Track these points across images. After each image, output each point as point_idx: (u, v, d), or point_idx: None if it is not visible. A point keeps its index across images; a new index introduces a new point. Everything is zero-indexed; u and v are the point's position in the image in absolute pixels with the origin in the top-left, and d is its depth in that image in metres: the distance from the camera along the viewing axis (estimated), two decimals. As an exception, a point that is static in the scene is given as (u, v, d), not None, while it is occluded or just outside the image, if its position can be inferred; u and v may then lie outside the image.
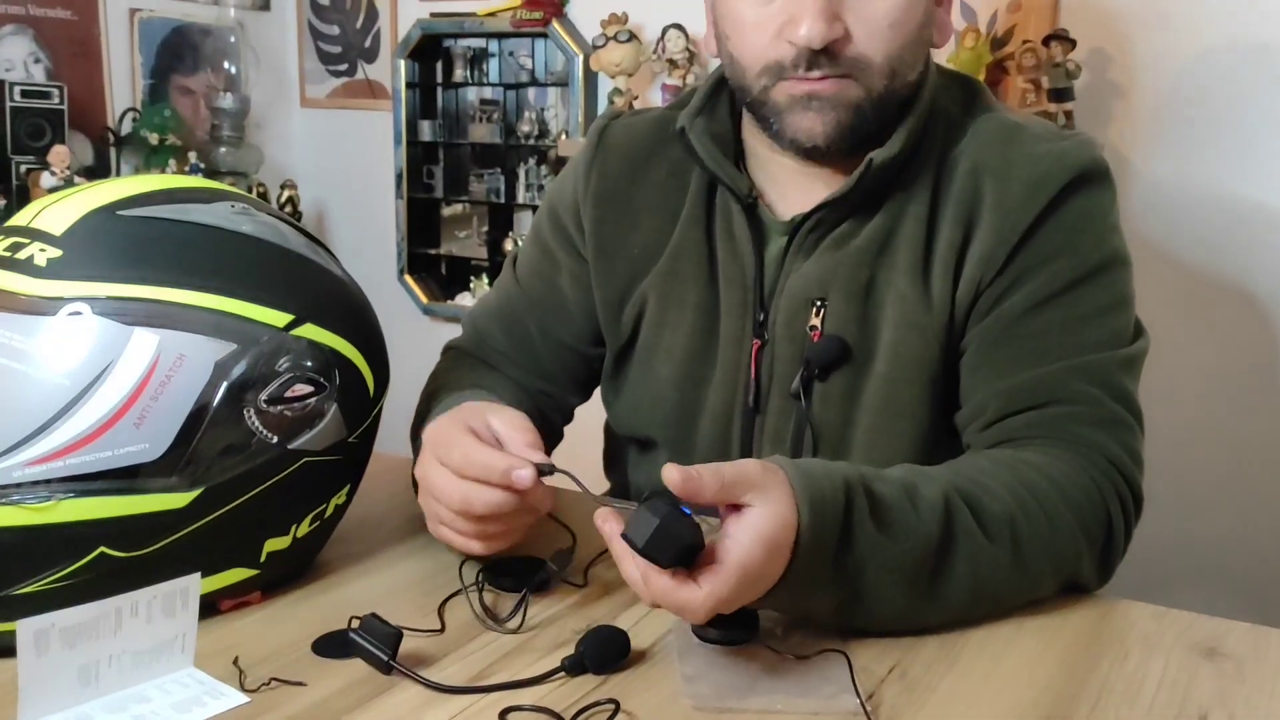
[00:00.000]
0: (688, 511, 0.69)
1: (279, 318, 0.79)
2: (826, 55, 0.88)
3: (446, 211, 2.74)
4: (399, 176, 2.68)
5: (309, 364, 0.80)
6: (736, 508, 0.70)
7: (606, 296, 1.05)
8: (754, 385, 0.99)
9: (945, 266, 0.93)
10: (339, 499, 0.87)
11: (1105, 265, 0.92)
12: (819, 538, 0.72)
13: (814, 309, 0.96)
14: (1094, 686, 0.73)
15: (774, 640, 0.77)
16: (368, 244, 2.71)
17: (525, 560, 0.86)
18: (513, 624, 0.79)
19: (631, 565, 0.69)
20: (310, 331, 0.80)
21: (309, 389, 0.80)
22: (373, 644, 0.71)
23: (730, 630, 0.76)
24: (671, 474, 0.68)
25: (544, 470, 0.77)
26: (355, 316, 0.87)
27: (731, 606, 0.69)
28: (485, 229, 2.69)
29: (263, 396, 0.77)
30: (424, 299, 2.70)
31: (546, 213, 1.10)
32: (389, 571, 0.90)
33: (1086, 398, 0.89)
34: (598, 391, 1.15)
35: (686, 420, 1.03)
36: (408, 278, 2.72)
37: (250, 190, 2.52)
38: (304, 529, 0.83)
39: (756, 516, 0.69)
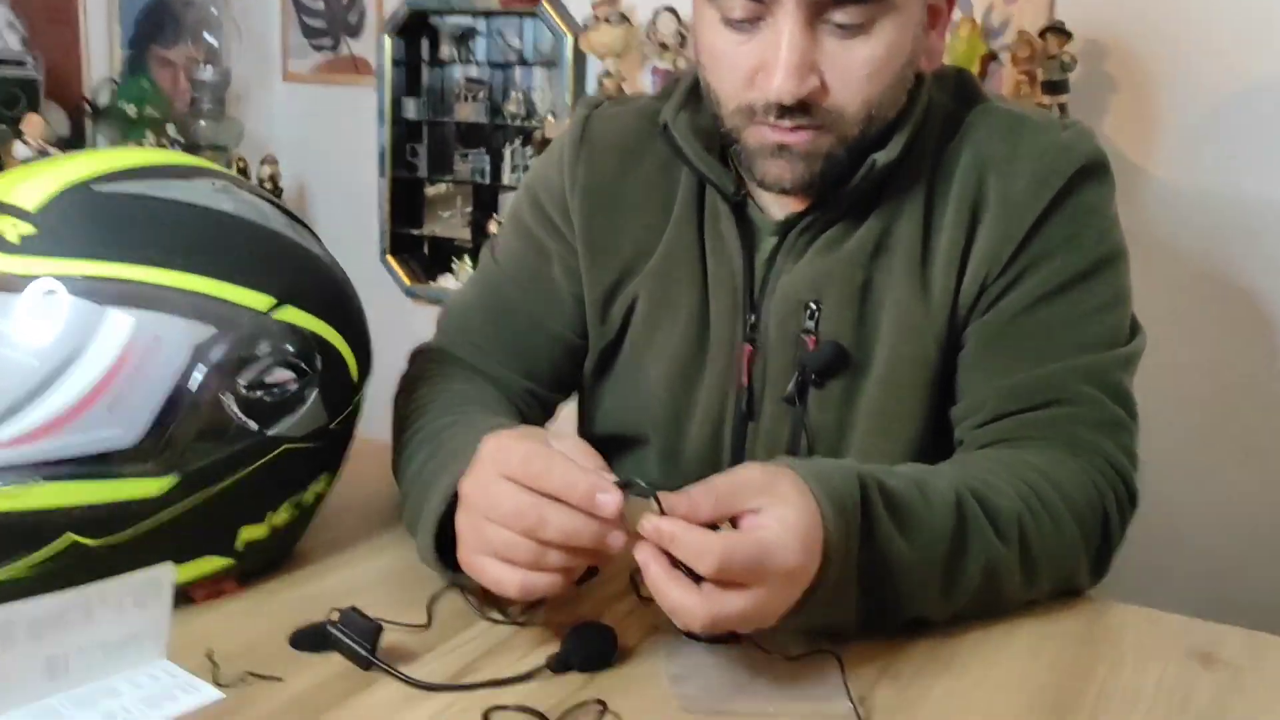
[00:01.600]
0: None
1: (260, 300, 0.77)
2: (800, 107, 0.85)
3: (430, 191, 2.72)
4: (382, 155, 2.65)
5: (290, 348, 0.78)
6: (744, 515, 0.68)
7: (594, 291, 1.03)
8: (746, 391, 0.98)
9: (947, 266, 0.92)
10: (319, 487, 0.85)
11: (1107, 260, 0.91)
12: (844, 534, 0.70)
13: (807, 312, 0.94)
14: (1090, 694, 0.72)
15: (763, 639, 0.75)
16: (349, 224, 2.68)
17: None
18: (518, 613, 0.77)
19: (680, 591, 0.66)
20: (292, 315, 0.78)
21: (289, 374, 0.78)
22: (351, 638, 0.70)
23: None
24: (667, 500, 0.67)
25: (633, 490, 0.68)
26: (338, 299, 0.85)
27: (768, 613, 0.68)
28: (469, 209, 2.66)
29: (242, 381, 0.75)
30: (407, 280, 2.68)
31: (529, 202, 1.06)
32: (371, 562, 0.88)
33: (1087, 399, 0.88)
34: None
35: (677, 422, 1.02)
36: (390, 259, 2.69)
37: (230, 165, 2.49)
38: (282, 517, 0.82)
39: (776, 517, 0.67)
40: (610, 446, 1.10)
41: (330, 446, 0.84)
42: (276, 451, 0.78)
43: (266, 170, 2.56)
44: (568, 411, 1.14)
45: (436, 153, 2.67)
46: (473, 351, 1.05)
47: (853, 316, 0.94)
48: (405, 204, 2.70)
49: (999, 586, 0.79)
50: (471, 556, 0.72)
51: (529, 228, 1.06)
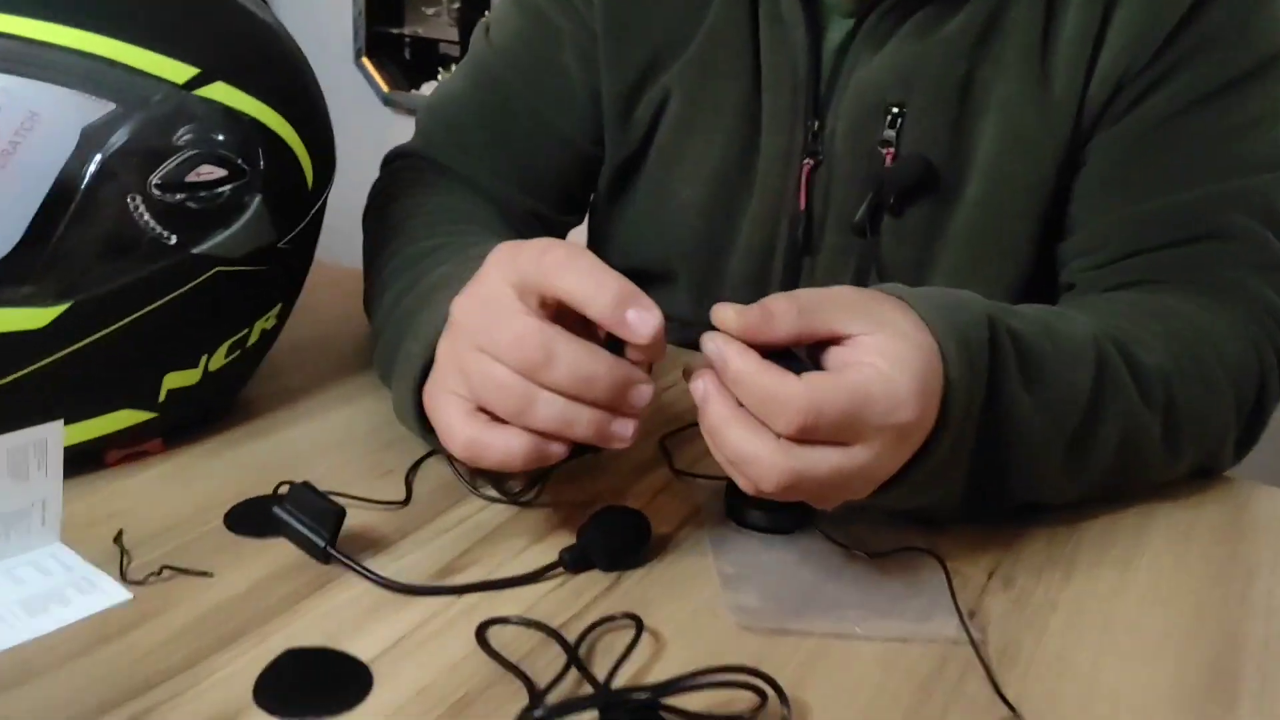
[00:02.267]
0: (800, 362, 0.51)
1: (178, 70, 0.58)
2: None
3: (412, -14, 2.47)
4: (355, -62, 2.39)
5: (221, 137, 0.59)
6: (830, 344, 0.51)
7: (616, 87, 0.83)
8: (803, 217, 0.80)
9: (1074, 58, 0.73)
10: (266, 322, 0.68)
11: (1276, 59, 0.73)
12: (968, 385, 0.53)
13: (888, 117, 0.76)
14: (1258, 604, 0.57)
15: (834, 529, 0.60)
16: (317, 20, 2.44)
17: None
18: (521, 488, 0.62)
19: (749, 435, 0.49)
20: (223, 93, 0.60)
21: (221, 172, 0.59)
22: (304, 523, 0.54)
23: (779, 514, 0.60)
24: (724, 313, 0.50)
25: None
26: (291, 80, 0.66)
27: (865, 479, 0.51)
28: (456, 5, 2.42)
29: (154, 179, 0.57)
30: (384, 87, 2.47)
31: None
32: (334, 418, 0.72)
33: (1243, 233, 0.71)
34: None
35: (714, 255, 0.84)
36: (365, 61, 2.46)
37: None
38: (218, 360, 0.65)
39: (881, 350, 0.50)
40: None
41: (280, 271, 0.66)
42: (207, 275, 0.61)
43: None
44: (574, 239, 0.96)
45: (419, -65, 2.42)
46: (462, 157, 0.86)
47: (947, 123, 0.76)
48: (383, -1, 2.46)
49: (1136, 463, 0.64)
50: (439, 396, 0.54)
51: (536, 2, 0.86)
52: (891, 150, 0.77)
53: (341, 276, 0.87)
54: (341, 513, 0.54)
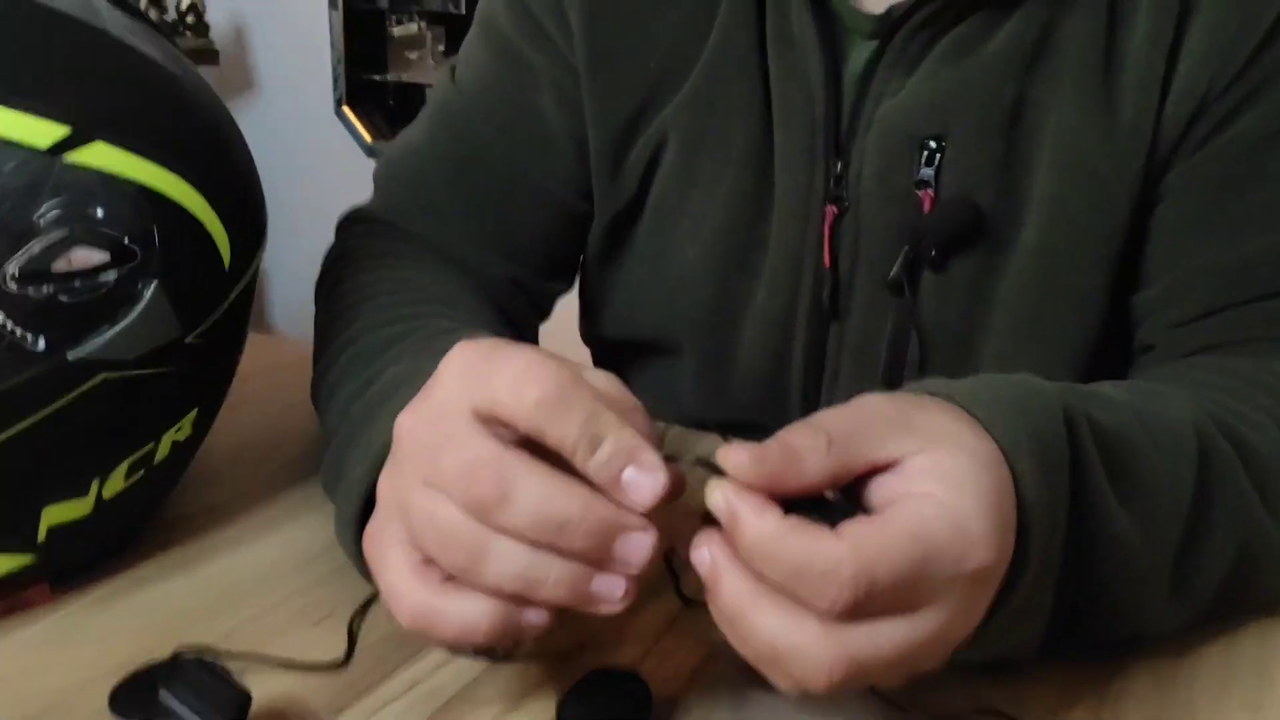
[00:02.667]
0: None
1: (41, 131, 0.47)
2: None
3: (396, 30, 2.39)
4: (332, -20, 2.31)
5: (100, 212, 0.48)
6: (870, 476, 0.39)
7: (603, 131, 0.72)
8: (828, 275, 0.69)
9: (1144, 76, 0.62)
10: (177, 433, 0.56)
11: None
12: (1050, 503, 0.41)
13: (923, 154, 0.65)
14: None
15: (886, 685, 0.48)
16: (297, 69, 2.36)
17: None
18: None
19: (786, 624, 0.37)
20: (103, 156, 0.48)
21: (102, 256, 0.48)
22: (196, 711, 0.42)
23: None
24: (735, 457, 0.38)
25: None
26: (198, 136, 0.55)
27: (940, 648, 0.39)
28: (442, 48, 2.34)
29: (10, 270, 0.46)
30: (368, 136, 2.38)
31: (505, 1, 0.75)
32: (268, 541, 0.60)
33: None
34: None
35: (725, 323, 0.73)
36: (347, 110, 2.38)
37: (143, -3, 2.13)
38: (115, 485, 0.53)
39: (937, 474, 0.38)
40: (626, 359, 0.82)
41: (193, 371, 0.55)
42: (90, 383, 0.49)
43: (187, 1, 2.21)
44: (565, 307, 0.84)
45: (399, -23, 2.34)
46: (427, 220, 0.75)
47: (994, 158, 0.64)
48: (365, 43, 2.37)
49: (1255, 577, 0.51)
50: (380, 544, 0.42)
51: (506, 36, 0.75)
52: (929, 193, 0.65)
53: (304, 356, 0.76)
54: (244, 700, 0.41)
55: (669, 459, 0.39)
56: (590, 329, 0.83)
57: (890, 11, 0.65)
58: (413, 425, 0.41)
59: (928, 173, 0.65)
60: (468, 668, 0.49)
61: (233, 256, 0.55)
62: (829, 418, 0.39)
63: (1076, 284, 0.65)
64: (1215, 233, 0.62)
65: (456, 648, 0.47)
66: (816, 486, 0.38)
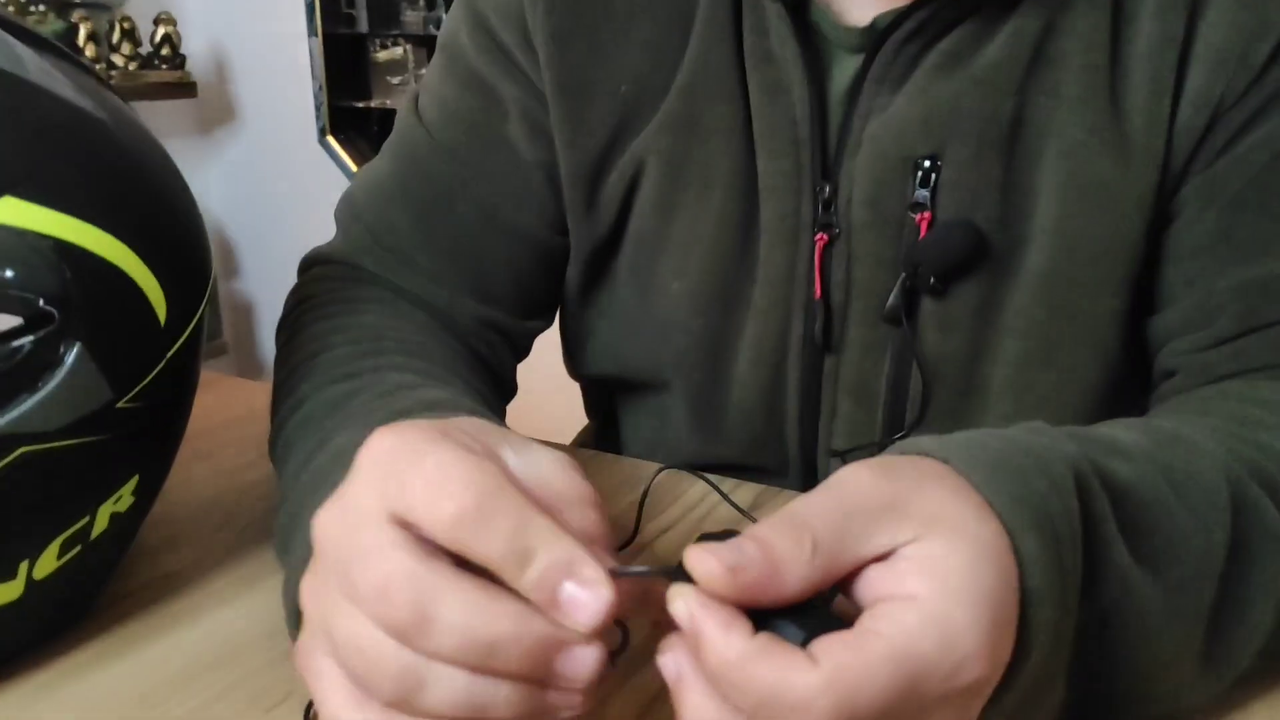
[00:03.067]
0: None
1: (-57, 186, 0.43)
2: None
3: (381, 55, 2.35)
4: (310, 7, 2.26)
5: (10, 273, 0.44)
6: (860, 569, 0.35)
7: (575, 160, 0.68)
8: (820, 306, 0.65)
9: (1154, 82, 0.58)
10: (116, 504, 0.52)
11: None
12: (1060, 589, 0.37)
13: (918, 175, 0.61)
14: None
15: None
16: (278, 98, 2.32)
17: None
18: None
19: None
20: (12, 212, 0.44)
21: (13, 321, 0.44)
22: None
23: None
24: (704, 565, 0.33)
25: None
26: (127, 184, 0.51)
27: None
28: (424, 72, 2.29)
29: (-91, 341, 0.42)
30: (352, 165, 2.34)
31: (470, 25, 0.71)
32: (223, 614, 0.56)
33: None
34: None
35: (712, 359, 0.69)
36: (331, 139, 2.34)
37: (111, 26, 2.09)
38: (48, 565, 0.49)
39: (930, 552, 0.34)
40: (611, 397, 0.78)
41: (129, 436, 0.51)
42: (9, 459, 0.45)
43: (161, 31, 2.16)
44: (546, 347, 0.80)
45: (379, 1, 2.29)
46: (392, 262, 0.71)
47: (994, 177, 0.60)
48: (346, 70, 2.33)
49: None
50: (310, 657, 0.38)
51: (470, 66, 0.71)
52: (926, 216, 0.61)
53: (258, 400, 0.72)
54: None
55: (616, 572, 0.34)
56: (575, 365, 0.79)
57: (875, 23, 0.62)
58: (327, 528, 0.37)
59: (923, 194, 0.61)
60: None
61: (170, 312, 0.51)
62: (813, 511, 0.35)
63: (1089, 309, 0.61)
64: (1239, 249, 0.58)
65: None
66: (797, 598, 0.33)
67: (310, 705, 0.47)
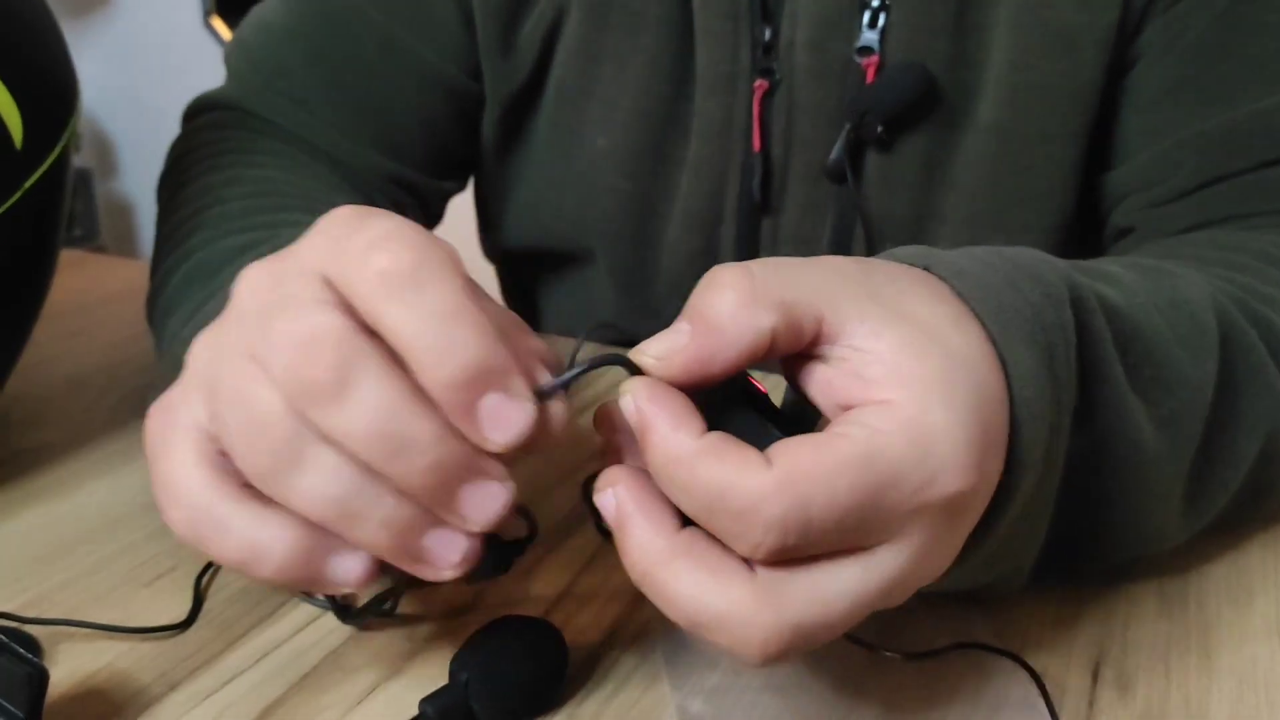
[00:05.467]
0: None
1: None
2: None
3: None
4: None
5: None
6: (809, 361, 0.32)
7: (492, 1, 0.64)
8: (759, 161, 0.62)
9: None
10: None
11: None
12: (1052, 404, 0.34)
13: (865, 16, 0.58)
14: None
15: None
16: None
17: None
18: (370, 603, 0.42)
19: (708, 584, 0.29)
20: None
21: None
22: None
23: None
24: (655, 345, 0.31)
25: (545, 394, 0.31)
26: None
27: (901, 592, 0.31)
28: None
29: None
30: (242, 53, 2.23)
31: None
32: (103, 485, 0.52)
33: None
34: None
35: (642, 223, 0.66)
36: (216, 21, 2.23)
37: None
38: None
39: (897, 351, 0.30)
40: (534, 273, 0.74)
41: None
42: None
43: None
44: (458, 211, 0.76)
45: None
46: (290, 107, 0.65)
47: (946, 19, 0.58)
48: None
49: (1273, 483, 0.46)
50: (164, 427, 0.33)
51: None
52: (873, 60, 0.59)
53: (125, 277, 0.68)
54: (40, 676, 0.34)
55: (551, 385, 0.31)
56: (491, 239, 0.75)
57: None
58: (251, 280, 0.32)
59: (870, 37, 0.58)
60: (337, 629, 0.42)
61: (26, 135, 0.46)
62: (765, 268, 0.32)
63: (1043, 162, 0.59)
64: (1202, 96, 0.56)
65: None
66: (752, 353, 0.30)
67: (202, 572, 0.44)
